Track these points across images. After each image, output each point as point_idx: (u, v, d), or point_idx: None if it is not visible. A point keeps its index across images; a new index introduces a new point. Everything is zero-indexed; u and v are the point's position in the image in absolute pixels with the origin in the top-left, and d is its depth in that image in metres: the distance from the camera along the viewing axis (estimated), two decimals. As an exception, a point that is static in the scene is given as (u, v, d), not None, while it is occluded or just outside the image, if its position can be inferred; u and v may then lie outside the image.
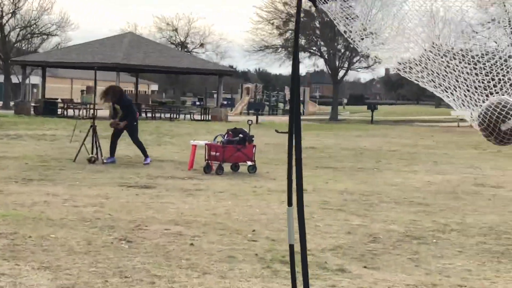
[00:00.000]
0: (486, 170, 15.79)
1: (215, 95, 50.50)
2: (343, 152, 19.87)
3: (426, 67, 3.77)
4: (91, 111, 33.52)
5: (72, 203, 9.59)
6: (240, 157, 13.93)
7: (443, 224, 8.86)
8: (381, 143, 23.60)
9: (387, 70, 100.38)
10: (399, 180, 13.53)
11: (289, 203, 4.36)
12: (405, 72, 3.80)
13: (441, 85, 3.77)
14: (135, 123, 15.46)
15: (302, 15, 50.78)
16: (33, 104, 42.21)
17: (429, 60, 3.77)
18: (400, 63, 3.84)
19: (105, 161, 14.90)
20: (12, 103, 47.34)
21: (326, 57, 51.14)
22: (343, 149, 20.89)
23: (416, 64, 3.81)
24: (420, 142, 25.05)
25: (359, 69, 54.34)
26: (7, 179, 11.79)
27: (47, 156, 15.91)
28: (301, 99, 62.12)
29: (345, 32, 4.00)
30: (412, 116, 57.92)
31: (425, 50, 3.93)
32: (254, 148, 14.11)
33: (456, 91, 3.72)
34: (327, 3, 4.22)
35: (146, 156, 15.20)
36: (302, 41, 53.62)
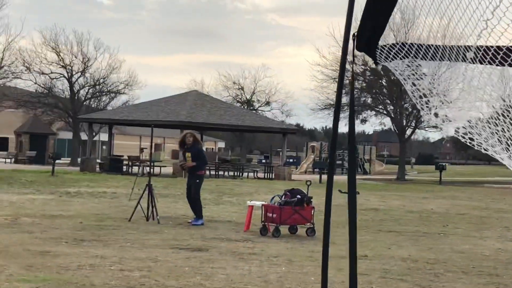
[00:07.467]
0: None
1: (281, 153, 50.17)
2: (408, 215, 19.05)
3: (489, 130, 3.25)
4: (154, 168, 33.66)
5: (119, 267, 9.19)
6: (298, 219, 13.36)
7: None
8: (448, 206, 22.63)
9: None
10: (467, 246, 12.70)
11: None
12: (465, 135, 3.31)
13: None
14: (197, 180, 14.97)
15: (368, 73, 50.37)
16: (98, 161, 42.63)
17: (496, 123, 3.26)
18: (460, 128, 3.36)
19: (192, 223, 14.52)
20: (79, 160, 47.97)
21: (392, 115, 50.31)
22: (408, 211, 20.05)
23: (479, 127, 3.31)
24: (491, 205, 23.94)
25: (427, 129, 53.07)
26: (57, 239, 11.50)
27: (103, 214, 15.67)
28: (367, 157, 61.17)
29: (412, 92, 3.55)
30: (483, 177, 56.17)
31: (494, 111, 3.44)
32: (312, 210, 13.52)
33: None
34: (392, 60, 3.82)
35: (200, 217, 14.72)
36: (369, 100, 52.99)
